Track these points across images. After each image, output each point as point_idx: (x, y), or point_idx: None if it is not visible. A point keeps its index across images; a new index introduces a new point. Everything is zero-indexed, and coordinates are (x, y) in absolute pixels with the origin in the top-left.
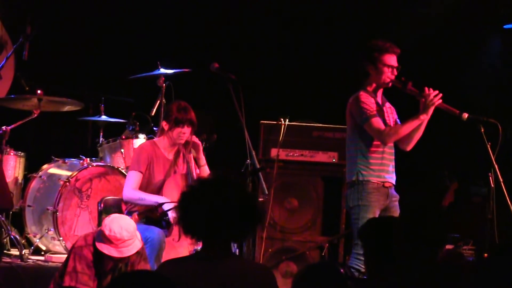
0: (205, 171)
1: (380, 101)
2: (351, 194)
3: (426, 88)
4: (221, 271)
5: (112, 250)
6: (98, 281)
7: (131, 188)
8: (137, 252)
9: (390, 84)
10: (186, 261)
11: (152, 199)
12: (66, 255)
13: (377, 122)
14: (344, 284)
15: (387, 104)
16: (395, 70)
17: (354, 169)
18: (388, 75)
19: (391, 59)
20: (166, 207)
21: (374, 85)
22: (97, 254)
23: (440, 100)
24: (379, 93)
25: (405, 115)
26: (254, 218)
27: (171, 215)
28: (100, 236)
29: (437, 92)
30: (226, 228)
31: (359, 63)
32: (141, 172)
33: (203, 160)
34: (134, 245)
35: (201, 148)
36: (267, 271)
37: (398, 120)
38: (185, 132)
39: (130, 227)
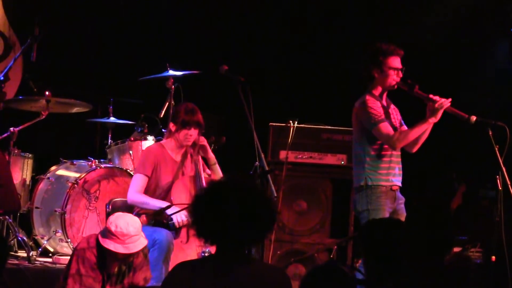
0: (217, 170)
1: (385, 104)
2: (360, 199)
3: (432, 96)
4: (236, 275)
5: (118, 247)
6: (102, 284)
7: (135, 192)
8: (143, 256)
9: (396, 87)
10: (200, 264)
11: (155, 204)
12: None
13: (385, 127)
14: (349, 285)
15: (392, 106)
16: (400, 72)
17: (362, 174)
18: (394, 78)
19: (396, 61)
20: (169, 211)
21: (379, 88)
22: (101, 256)
23: (449, 104)
24: (384, 96)
25: (408, 115)
26: (268, 221)
27: (176, 219)
28: (106, 233)
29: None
30: (241, 231)
31: (364, 67)
32: (147, 176)
33: (213, 159)
34: (140, 241)
35: (208, 149)
36: (282, 273)
37: (402, 121)
38: (192, 134)
39: (136, 223)
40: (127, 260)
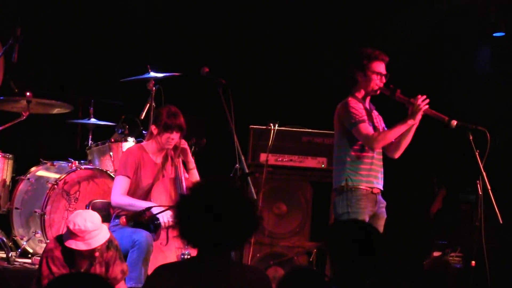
0: (194, 175)
1: (368, 108)
2: (340, 201)
3: (413, 100)
4: (218, 277)
5: (79, 244)
6: None
7: (119, 194)
8: (114, 249)
9: (379, 92)
10: (181, 267)
11: (141, 205)
12: None
13: (365, 127)
14: (324, 287)
15: (375, 112)
16: (383, 77)
17: (342, 175)
18: (377, 83)
19: (380, 67)
20: (154, 210)
21: (362, 92)
22: (69, 254)
23: (428, 106)
24: (367, 100)
25: (392, 124)
26: (251, 225)
27: (162, 219)
28: (67, 234)
29: (424, 97)
30: (225, 233)
31: (348, 70)
32: (129, 177)
33: (192, 163)
34: (101, 235)
35: (189, 152)
36: (263, 274)
37: (385, 128)
38: (173, 138)
39: (94, 218)
40: (93, 255)
